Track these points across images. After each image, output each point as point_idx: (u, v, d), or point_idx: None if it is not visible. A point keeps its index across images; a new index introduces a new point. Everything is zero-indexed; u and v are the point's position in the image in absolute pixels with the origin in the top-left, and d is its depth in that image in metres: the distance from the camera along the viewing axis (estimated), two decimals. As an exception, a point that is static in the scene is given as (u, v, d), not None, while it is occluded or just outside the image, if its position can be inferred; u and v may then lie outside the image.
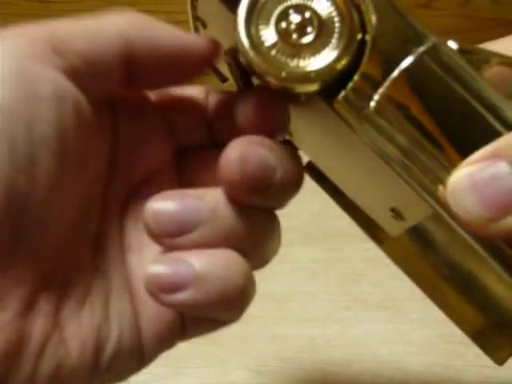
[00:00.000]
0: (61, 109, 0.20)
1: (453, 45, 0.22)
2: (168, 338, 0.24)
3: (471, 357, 0.39)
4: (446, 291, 0.28)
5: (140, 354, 0.24)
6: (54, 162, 0.20)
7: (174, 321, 0.24)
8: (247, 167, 0.21)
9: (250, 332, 0.42)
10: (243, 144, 0.22)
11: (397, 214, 0.24)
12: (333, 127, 0.22)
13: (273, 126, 0.23)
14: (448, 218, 0.22)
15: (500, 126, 0.21)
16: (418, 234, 0.27)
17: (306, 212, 0.51)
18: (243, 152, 0.21)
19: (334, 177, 0.26)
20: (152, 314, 0.24)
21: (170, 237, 0.22)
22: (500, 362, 0.27)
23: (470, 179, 0.20)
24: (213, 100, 0.26)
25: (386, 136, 0.22)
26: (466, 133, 0.21)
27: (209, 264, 0.22)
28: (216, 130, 0.26)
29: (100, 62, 0.22)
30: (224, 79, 0.26)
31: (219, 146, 0.23)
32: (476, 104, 0.21)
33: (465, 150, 0.21)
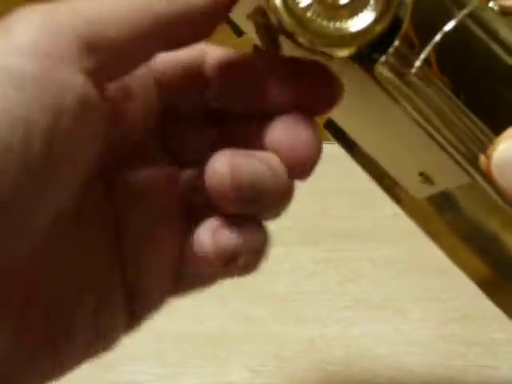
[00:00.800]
0: (85, 123, 0.18)
1: (494, 7, 0.21)
2: (161, 299, 0.24)
3: (471, 357, 0.39)
4: (462, 249, 0.28)
5: (129, 317, 0.23)
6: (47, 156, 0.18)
7: (170, 281, 0.24)
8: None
9: (250, 332, 0.42)
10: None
11: (426, 178, 0.24)
12: (367, 92, 0.22)
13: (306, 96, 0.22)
14: (486, 187, 0.21)
15: None
16: (439, 194, 0.27)
17: (306, 212, 0.51)
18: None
19: (360, 139, 0.26)
20: (147, 276, 0.23)
21: (242, 203, 0.21)
22: None
23: None
24: (212, 61, 0.23)
25: (426, 101, 0.21)
26: (509, 99, 0.20)
27: (251, 238, 0.22)
28: (212, 94, 0.23)
29: (134, 52, 0.19)
30: (240, 33, 0.25)
31: (214, 111, 0.22)
32: None
33: (508, 117, 0.20)
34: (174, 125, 0.24)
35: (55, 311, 0.21)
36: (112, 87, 0.21)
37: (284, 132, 0.22)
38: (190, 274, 0.24)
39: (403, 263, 0.47)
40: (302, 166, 0.22)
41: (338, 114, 0.26)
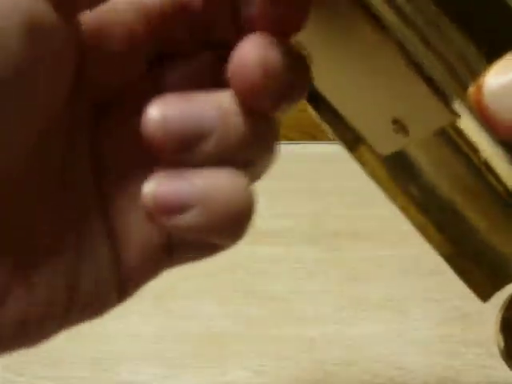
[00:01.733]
0: (40, 45, 0.18)
1: None
2: (152, 269, 0.23)
3: (471, 357, 0.39)
4: (424, 219, 0.27)
5: (120, 289, 0.22)
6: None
7: (160, 249, 0.22)
8: (269, 71, 0.19)
9: (250, 332, 0.42)
10: (261, 45, 0.19)
11: (400, 126, 0.22)
12: (343, 21, 0.20)
13: (290, 21, 0.20)
14: (472, 125, 0.20)
15: None
16: (400, 160, 0.25)
17: (306, 212, 0.51)
18: (263, 55, 0.19)
19: (325, 85, 0.24)
20: (135, 244, 0.22)
21: (177, 151, 0.20)
22: (484, 298, 0.26)
23: (510, 80, 0.17)
24: None
25: (413, 26, 0.19)
26: (501, 25, 0.19)
27: (213, 183, 0.20)
28: (204, 31, 0.22)
29: None
30: None
31: (204, 52, 0.21)
32: None
33: (503, 45, 0.18)
34: (165, 63, 0.23)
35: (32, 242, 0.20)
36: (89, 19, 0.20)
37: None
38: (178, 241, 0.23)
39: (403, 263, 0.47)
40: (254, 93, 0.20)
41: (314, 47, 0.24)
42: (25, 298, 0.20)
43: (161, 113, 0.19)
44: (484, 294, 0.26)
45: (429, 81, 0.20)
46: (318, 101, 0.25)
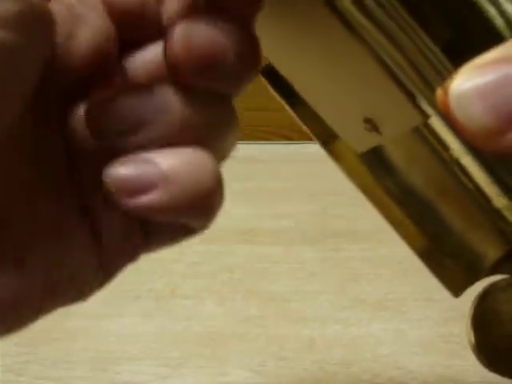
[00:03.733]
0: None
1: None
2: (131, 252, 0.23)
3: (471, 357, 0.39)
4: (399, 215, 0.27)
5: (100, 273, 0.22)
6: None
7: (135, 231, 0.22)
8: (193, 46, 0.19)
9: (250, 332, 0.42)
10: (189, 23, 0.20)
11: (372, 126, 0.22)
12: (313, 19, 0.20)
13: None
14: (440, 126, 0.20)
15: (507, 26, 0.19)
16: (376, 156, 0.26)
17: (306, 212, 0.51)
18: (189, 31, 0.19)
19: (299, 82, 0.24)
20: (113, 229, 0.22)
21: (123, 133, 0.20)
22: (455, 293, 0.26)
23: (477, 84, 0.17)
24: None
25: (382, 28, 0.20)
26: (471, 29, 0.19)
27: (176, 162, 0.20)
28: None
29: None
30: None
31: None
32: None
33: (470, 50, 0.18)
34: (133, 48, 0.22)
35: (8, 228, 0.20)
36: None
37: None
38: (153, 227, 0.22)
39: (403, 263, 0.47)
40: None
41: (279, 56, 0.24)
42: (3, 282, 0.20)
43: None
44: (456, 289, 0.26)
45: (398, 81, 0.20)
46: (292, 97, 0.25)
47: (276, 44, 0.23)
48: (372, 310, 0.44)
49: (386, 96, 0.21)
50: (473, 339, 0.26)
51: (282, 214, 0.52)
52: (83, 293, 0.22)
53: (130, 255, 0.23)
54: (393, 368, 0.40)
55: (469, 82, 0.18)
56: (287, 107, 0.26)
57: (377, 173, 0.27)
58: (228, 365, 0.40)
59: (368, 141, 0.23)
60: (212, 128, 0.21)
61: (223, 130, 0.22)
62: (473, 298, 0.28)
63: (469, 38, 0.19)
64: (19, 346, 0.42)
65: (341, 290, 0.45)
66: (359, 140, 0.23)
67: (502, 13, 0.19)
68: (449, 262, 0.27)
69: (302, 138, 0.62)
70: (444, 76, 0.19)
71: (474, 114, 0.17)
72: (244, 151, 0.61)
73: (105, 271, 0.22)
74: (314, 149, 0.59)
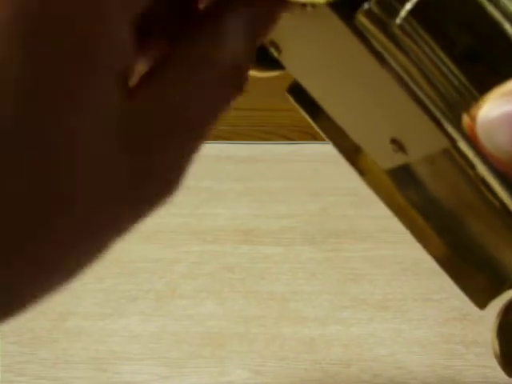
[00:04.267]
0: None
1: None
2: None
3: (471, 357, 0.39)
4: (423, 226, 0.27)
5: None
6: None
7: None
8: None
9: (250, 332, 0.42)
10: None
11: (398, 146, 0.23)
12: (343, 47, 0.21)
13: None
14: (467, 151, 0.20)
15: None
16: (401, 169, 0.25)
17: (306, 212, 0.51)
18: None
19: (327, 103, 0.24)
20: None
21: None
22: (481, 305, 0.26)
23: (504, 112, 0.17)
24: None
25: (409, 56, 0.20)
26: (496, 56, 0.19)
27: None
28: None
29: None
30: None
31: None
32: (508, 25, 0.19)
33: (494, 75, 0.19)
34: None
35: None
36: None
37: None
38: None
39: (403, 263, 0.47)
40: None
41: (306, 74, 0.24)
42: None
43: None
44: (481, 301, 0.26)
45: (423, 105, 0.20)
46: (314, 109, 0.25)
47: (304, 63, 0.24)
48: (372, 310, 0.44)
49: (412, 119, 0.21)
50: (497, 349, 0.26)
51: (282, 214, 0.52)
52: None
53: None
54: (393, 368, 0.40)
55: (496, 109, 0.18)
56: (313, 123, 0.26)
57: (402, 185, 0.27)
58: (228, 365, 0.40)
59: (394, 159, 0.23)
60: None
61: None
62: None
63: (492, 61, 0.19)
64: (19, 346, 0.42)
65: (341, 290, 0.45)
66: (385, 158, 0.24)
67: None
68: (473, 272, 0.27)
69: (302, 138, 0.63)
70: (468, 101, 0.19)
71: (502, 142, 0.18)
72: (244, 151, 0.61)
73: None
74: (314, 149, 0.59)
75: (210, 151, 0.64)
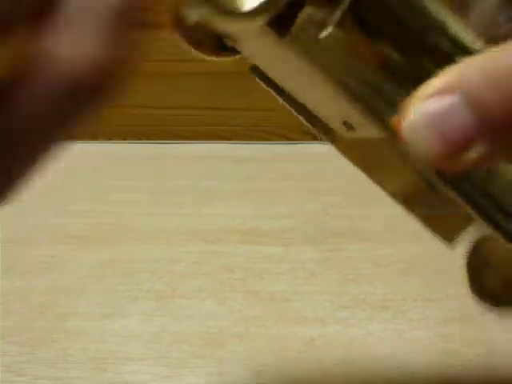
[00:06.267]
0: None
1: None
2: None
3: (471, 357, 0.39)
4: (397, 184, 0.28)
5: None
6: None
7: None
8: None
9: (250, 332, 0.42)
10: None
11: (349, 127, 0.24)
12: (280, 55, 0.22)
13: None
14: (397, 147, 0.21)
15: (455, 49, 0.20)
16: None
17: (306, 212, 0.51)
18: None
19: (284, 87, 0.26)
20: None
21: None
22: (450, 242, 0.27)
23: (425, 114, 0.19)
24: None
25: (340, 62, 0.21)
26: (420, 57, 0.20)
27: None
28: None
29: None
30: None
31: None
32: (432, 28, 0.20)
33: (420, 75, 0.20)
34: None
35: None
36: None
37: None
38: None
39: (403, 263, 0.47)
40: None
41: (263, 66, 0.26)
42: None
43: None
44: (449, 238, 0.27)
45: (359, 100, 0.22)
46: (281, 90, 0.26)
47: (260, 61, 0.25)
48: (372, 310, 0.44)
49: (353, 113, 0.22)
50: (470, 284, 0.27)
51: (282, 214, 0.52)
52: None
53: None
54: (393, 368, 0.40)
55: (417, 111, 0.19)
56: (278, 98, 0.27)
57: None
58: (228, 365, 0.40)
59: (349, 135, 0.25)
60: None
61: None
62: (471, 300, 0.28)
63: (419, 61, 0.21)
64: (19, 346, 0.42)
65: (341, 290, 0.45)
66: (343, 133, 0.25)
67: (449, 34, 0.20)
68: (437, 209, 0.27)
69: (302, 138, 0.63)
70: (398, 102, 0.20)
71: (424, 143, 0.19)
72: (244, 151, 0.61)
73: None
74: (314, 149, 0.59)
75: (210, 151, 0.64)
